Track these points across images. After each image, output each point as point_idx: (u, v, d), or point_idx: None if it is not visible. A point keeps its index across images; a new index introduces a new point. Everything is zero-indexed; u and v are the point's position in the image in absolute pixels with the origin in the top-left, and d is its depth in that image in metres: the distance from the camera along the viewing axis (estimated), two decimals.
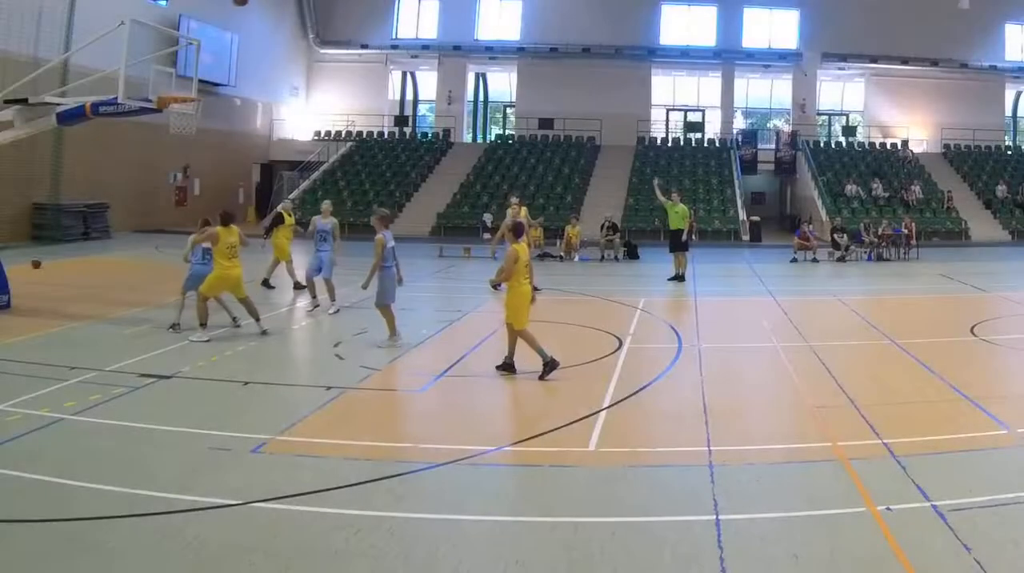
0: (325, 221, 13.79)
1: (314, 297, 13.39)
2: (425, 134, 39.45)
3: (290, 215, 16.57)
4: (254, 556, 4.81)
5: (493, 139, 40.28)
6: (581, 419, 7.49)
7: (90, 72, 17.01)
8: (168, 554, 4.83)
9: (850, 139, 38.04)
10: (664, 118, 39.72)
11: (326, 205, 14.42)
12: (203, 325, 10.70)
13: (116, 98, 13.31)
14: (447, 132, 38.11)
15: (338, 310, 12.94)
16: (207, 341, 10.50)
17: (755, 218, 30.25)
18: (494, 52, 39.25)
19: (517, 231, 9.58)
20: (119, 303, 13.64)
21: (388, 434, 7.27)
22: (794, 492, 5.87)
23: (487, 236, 25.70)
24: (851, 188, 31.82)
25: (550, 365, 8.83)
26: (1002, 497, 5.59)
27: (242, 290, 11.11)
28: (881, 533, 5.10)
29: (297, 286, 15.40)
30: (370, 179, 33.74)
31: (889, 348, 10.95)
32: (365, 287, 10.69)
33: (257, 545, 4.94)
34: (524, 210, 17.77)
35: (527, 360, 8.96)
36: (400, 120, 39.71)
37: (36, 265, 17.35)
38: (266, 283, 15.57)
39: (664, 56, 38.58)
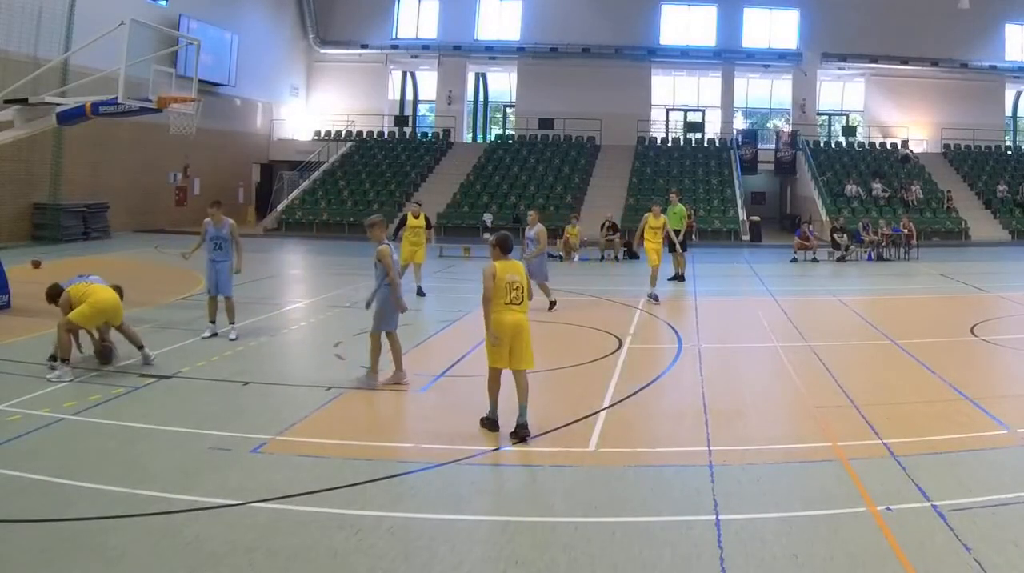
0: (219, 227, 11.00)
1: (211, 321, 11.07)
2: (425, 134, 39.45)
3: (416, 217, 15.72)
4: (254, 556, 4.81)
5: (493, 139, 40.29)
6: (581, 419, 7.49)
7: (90, 72, 17.04)
8: (168, 554, 4.83)
9: (850, 139, 38.05)
10: (664, 118, 39.73)
11: (212, 209, 11.15)
12: (65, 360, 8.72)
13: (116, 98, 13.33)
14: (447, 132, 38.12)
15: (237, 336, 10.84)
16: (69, 381, 8.51)
17: (755, 218, 30.26)
18: (494, 52, 39.25)
19: (504, 246, 7.38)
20: None
21: (388, 434, 7.27)
22: (794, 492, 5.86)
23: (487, 236, 25.67)
24: (851, 188, 31.82)
25: (489, 422, 7.26)
26: (1002, 497, 5.59)
27: (120, 316, 9.25)
28: (881, 533, 5.10)
29: (419, 292, 15.05)
30: (370, 179, 33.76)
31: (889, 348, 10.94)
32: (368, 306, 8.97)
33: (257, 545, 4.94)
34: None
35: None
36: (400, 120, 39.72)
37: (36, 265, 17.35)
38: (419, 291, 15.13)
39: (664, 56, 38.59)
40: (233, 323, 11.01)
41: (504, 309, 7.19)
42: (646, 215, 15.73)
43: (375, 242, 8.88)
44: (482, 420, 7.27)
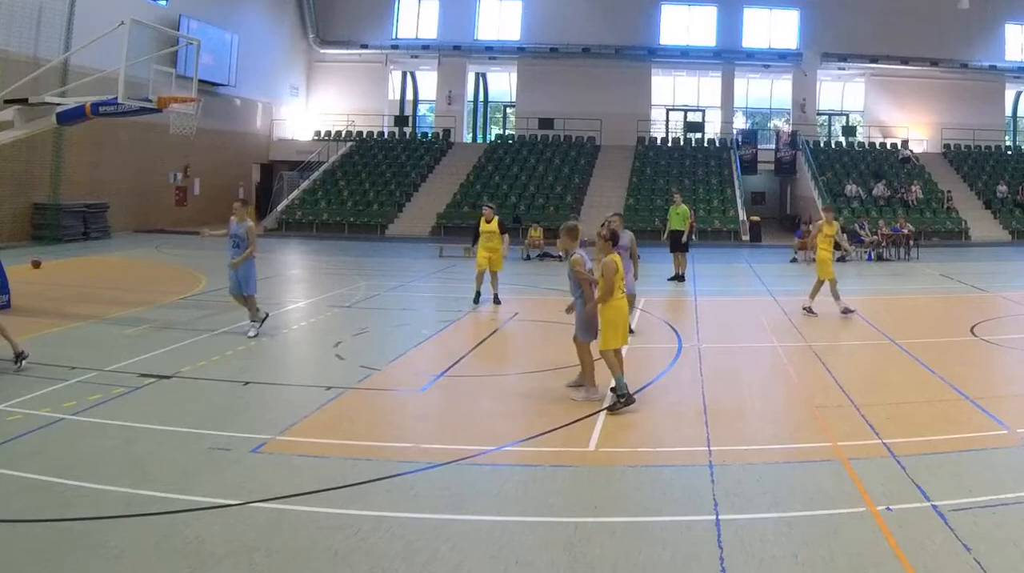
0: (240, 224, 11.16)
1: (256, 318, 11.34)
2: (425, 134, 39.45)
3: (488, 221, 14.21)
4: (254, 556, 4.81)
5: (493, 139, 40.28)
6: (581, 419, 7.49)
7: (90, 72, 17.05)
8: (168, 554, 4.83)
9: (850, 139, 38.04)
10: (664, 118, 39.73)
11: (237, 205, 11.40)
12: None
13: (116, 98, 13.34)
14: (447, 132, 38.12)
15: (257, 334, 11.06)
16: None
17: (755, 218, 30.26)
18: (494, 52, 39.26)
19: (615, 239, 8.26)
20: (119, 303, 13.64)
21: (388, 434, 7.27)
22: (794, 492, 5.86)
23: None
24: (851, 188, 31.82)
25: (626, 399, 7.76)
26: (1002, 497, 5.59)
27: None
28: (881, 533, 5.10)
29: (496, 300, 14.01)
30: (370, 179, 33.78)
31: (889, 348, 10.94)
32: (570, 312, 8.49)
33: (257, 545, 4.94)
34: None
35: (529, 359, 8.92)
36: (400, 120, 39.72)
37: (36, 265, 17.35)
38: (495, 299, 14.05)
39: (664, 56, 38.58)
40: (255, 321, 11.23)
41: (620, 298, 8.02)
42: (819, 222, 14.31)
43: (566, 251, 8.67)
44: (619, 398, 7.75)
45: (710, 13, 38.69)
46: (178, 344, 10.50)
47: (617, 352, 7.97)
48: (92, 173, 26.32)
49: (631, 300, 11.41)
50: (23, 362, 8.86)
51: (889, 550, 4.87)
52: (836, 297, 13.35)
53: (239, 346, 10.53)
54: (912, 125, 37.63)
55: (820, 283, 13.42)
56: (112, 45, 14.14)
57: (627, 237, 11.71)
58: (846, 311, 13.18)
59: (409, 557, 4.82)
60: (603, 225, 11.10)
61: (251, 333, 11.04)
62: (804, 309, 13.36)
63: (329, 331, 11.96)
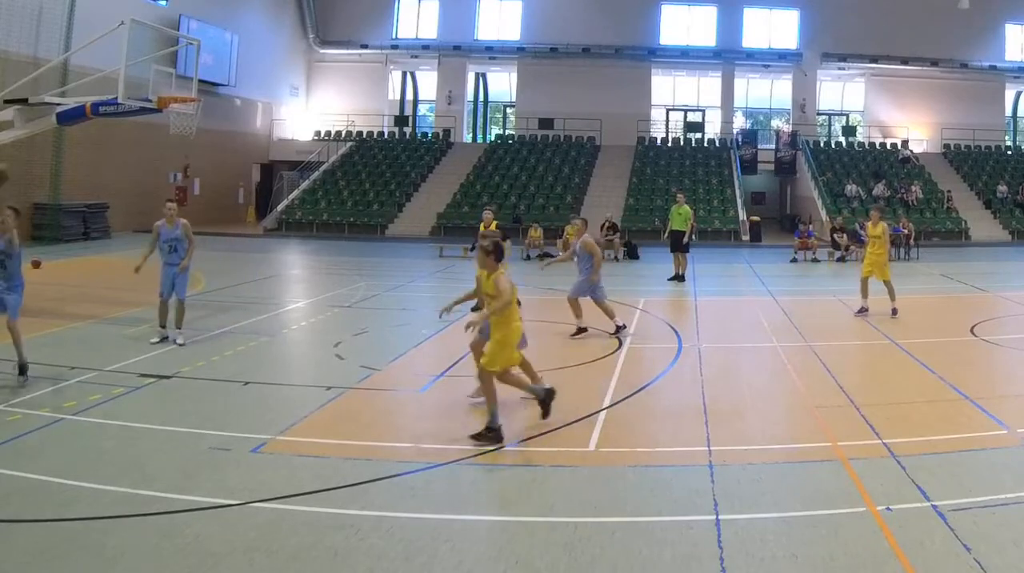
0: (171, 227, 10.73)
1: (162, 326, 10.60)
2: (425, 134, 39.44)
3: (487, 226, 12.91)
4: (254, 556, 4.81)
5: (493, 139, 40.27)
6: (581, 419, 7.49)
7: (90, 72, 17.08)
8: (168, 554, 4.83)
9: (850, 139, 38.03)
10: (664, 118, 39.73)
11: (170, 206, 10.95)
12: None
13: (116, 98, 13.36)
14: (447, 132, 38.11)
15: (184, 342, 10.38)
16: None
17: (755, 218, 30.26)
18: (494, 52, 39.25)
19: (499, 253, 7.34)
20: (119, 303, 13.64)
21: (388, 434, 7.27)
22: (794, 492, 5.86)
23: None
24: (851, 188, 31.82)
25: (549, 395, 7.41)
26: (1002, 497, 5.59)
27: None
28: (881, 533, 5.10)
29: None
30: (370, 179, 33.78)
31: (889, 348, 10.95)
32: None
33: (257, 545, 4.94)
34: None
35: (528, 359, 8.90)
36: (400, 120, 39.71)
37: (36, 265, 17.34)
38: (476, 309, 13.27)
39: (664, 56, 38.58)
40: (180, 328, 10.56)
41: (518, 319, 7.26)
42: (866, 223, 14.29)
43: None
44: (487, 431, 6.81)
45: (710, 13, 38.68)
46: (177, 344, 10.48)
47: (505, 373, 7.07)
48: (92, 173, 26.31)
49: (606, 309, 11.37)
50: (28, 376, 8.50)
51: (889, 550, 4.87)
52: (864, 294, 13.55)
53: (239, 346, 10.53)
54: (912, 125, 37.62)
55: (888, 285, 13.55)
56: (112, 45, 14.16)
57: (577, 244, 11.49)
58: (861, 311, 13.33)
59: (409, 557, 4.82)
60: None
61: (179, 340, 10.37)
62: (893, 312, 13.22)
63: (329, 331, 11.96)
